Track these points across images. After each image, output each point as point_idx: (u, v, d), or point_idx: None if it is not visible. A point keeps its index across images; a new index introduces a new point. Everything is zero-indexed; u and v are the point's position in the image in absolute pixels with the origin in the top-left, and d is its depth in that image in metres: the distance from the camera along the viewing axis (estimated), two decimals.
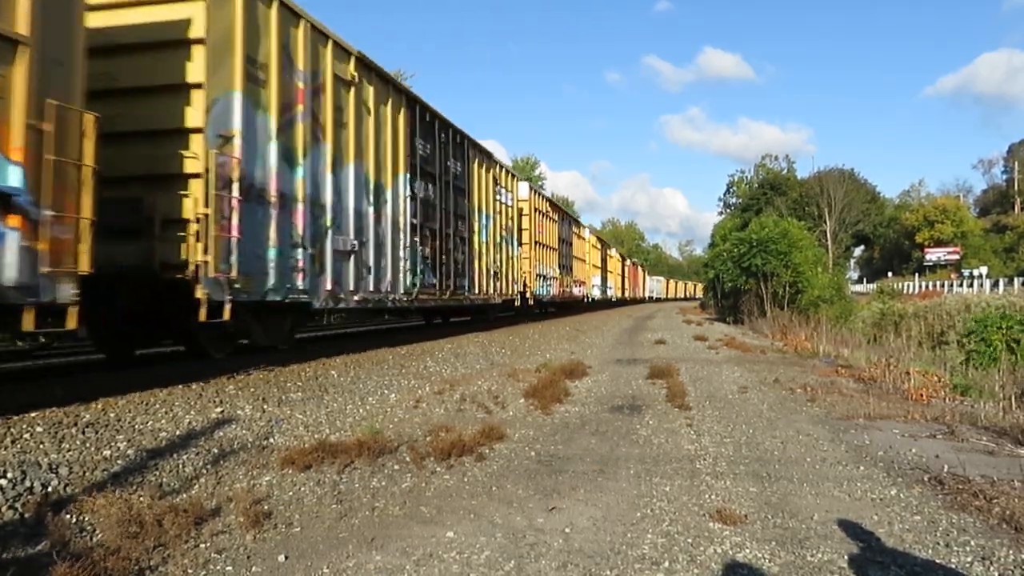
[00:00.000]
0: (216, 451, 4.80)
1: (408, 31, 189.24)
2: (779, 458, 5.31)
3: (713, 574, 3.21)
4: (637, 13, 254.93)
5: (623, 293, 49.77)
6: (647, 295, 69.57)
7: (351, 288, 9.61)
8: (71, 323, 5.13)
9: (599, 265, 36.93)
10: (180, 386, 6.53)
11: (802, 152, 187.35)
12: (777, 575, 3.21)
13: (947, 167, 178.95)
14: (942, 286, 44.31)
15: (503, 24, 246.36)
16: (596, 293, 35.28)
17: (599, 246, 37.85)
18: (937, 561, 3.34)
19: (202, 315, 6.60)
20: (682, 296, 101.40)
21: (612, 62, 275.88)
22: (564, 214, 27.82)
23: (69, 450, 4.35)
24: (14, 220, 4.58)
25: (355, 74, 9.64)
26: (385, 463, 4.91)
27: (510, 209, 18.38)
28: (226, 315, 6.88)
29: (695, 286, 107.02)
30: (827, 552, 3.45)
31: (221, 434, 5.18)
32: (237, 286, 7.05)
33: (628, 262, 54.58)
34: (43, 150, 4.75)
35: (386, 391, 7.59)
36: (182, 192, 6.76)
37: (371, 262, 10.15)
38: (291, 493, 4.24)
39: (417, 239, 11.80)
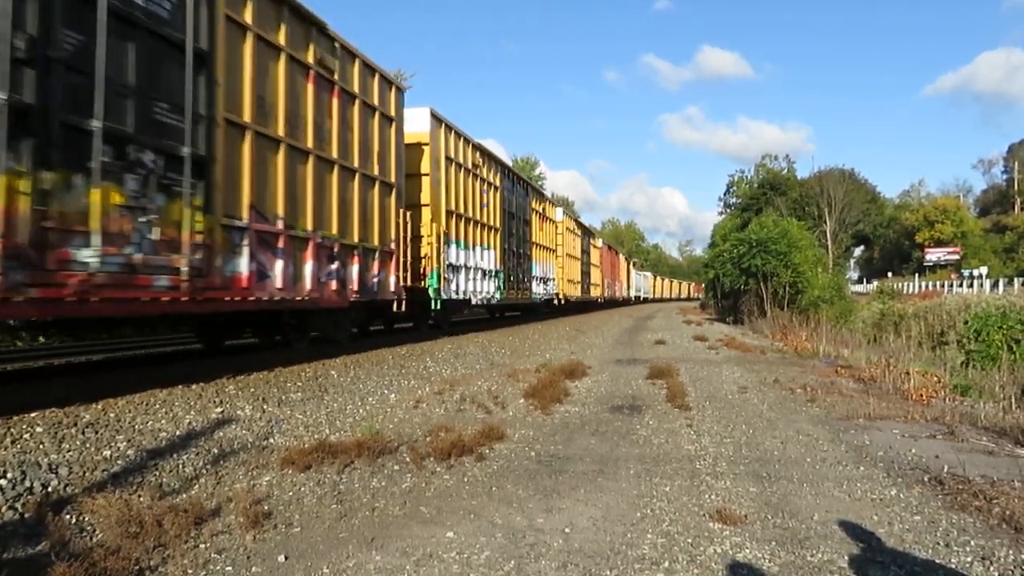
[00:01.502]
0: (216, 451, 4.80)
1: (406, 31, 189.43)
2: (779, 458, 5.30)
3: (713, 574, 3.21)
4: (635, 12, 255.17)
5: (586, 289, 30.99)
6: (632, 295, 54.45)
7: None
8: None
9: (516, 233, 19.09)
10: (180, 386, 6.54)
11: (802, 151, 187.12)
12: (777, 575, 3.21)
13: (947, 167, 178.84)
14: (942, 286, 44.32)
15: (500, 23, 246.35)
16: (488, 291, 16.43)
17: (529, 195, 20.50)
18: (937, 561, 3.34)
19: None
20: (676, 296, 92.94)
21: (610, 61, 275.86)
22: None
23: (69, 450, 4.35)
24: None
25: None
26: (385, 463, 4.91)
27: None
28: None
29: (683, 284, 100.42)
30: (827, 552, 3.45)
31: (221, 434, 5.18)
32: None
33: (599, 244, 36.65)
34: None
35: (386, 391, 7.59)
36: None
37: None
38: (291, 493, 4.24)
39: None
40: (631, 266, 55.98)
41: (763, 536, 3.67)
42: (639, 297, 60.25)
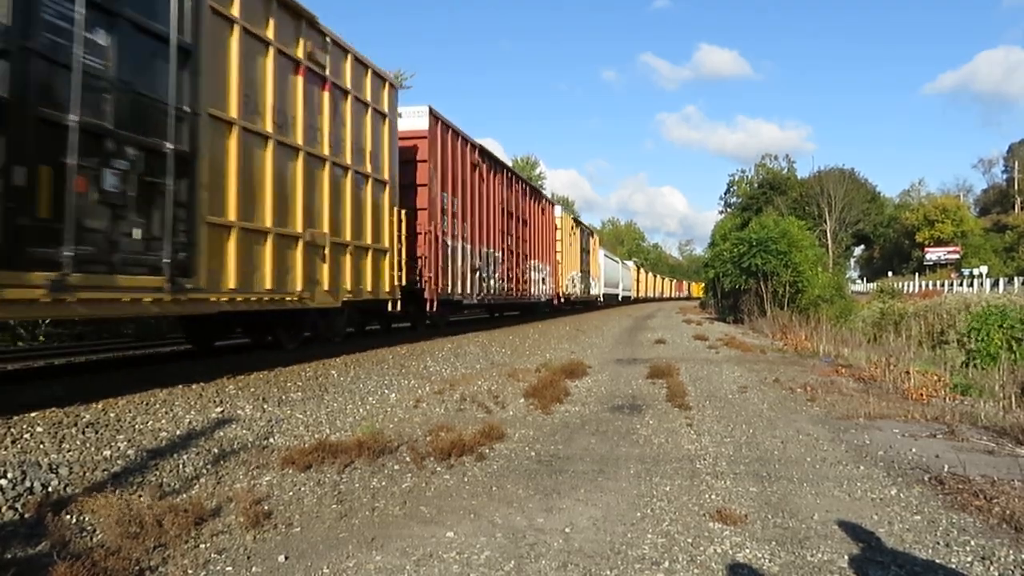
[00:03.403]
0: (216, 451, 4.80)
1: (404, 30, 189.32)
2: (779, 458, 5.30)
3: (713, 574, 3.21)
4: (633, 10, 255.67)
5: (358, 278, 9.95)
6: (601, 292, 36.84)
7: None
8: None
9: None
10: (180, 386, 6.54)
11: (801, 150, 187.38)
12: (777, 575, 3.21)
13: (947, 167, 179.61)
14: (942, 285, 44.32)
15: (498, 22, 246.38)
16: None
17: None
18: (937, 561, 3.34)
19: None
20: (672, 296, 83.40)
21: (608, 60, 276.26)
22: None
23: (69, 450, 4.35)
24: None
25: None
26: (385, 463, 4.91)
27: None
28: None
29: (681, 283, 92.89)
30: (827, 552, 3.44)
31: (221, 434, 5.18)
32: None
33: (483, 163, 16.40)
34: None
35: (386, 391, 7.59)
36: None
37: None
38: (291, 493, 4.24)
39: None
40: (595, 244, 36.30)
41: (763, 536, 3.67)
42: (619, 296, 44.75)
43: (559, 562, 3.31)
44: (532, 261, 21.76)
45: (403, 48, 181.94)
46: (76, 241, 5.18)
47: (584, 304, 33.54)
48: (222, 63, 7.26)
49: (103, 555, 3.11)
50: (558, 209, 26.96)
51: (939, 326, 17.55)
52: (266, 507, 3.92)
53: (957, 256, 63.93)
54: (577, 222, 31.90)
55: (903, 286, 42.65)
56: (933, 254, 65.40)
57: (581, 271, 30.95)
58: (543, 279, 23.24)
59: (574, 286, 28.87)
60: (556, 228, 26.10)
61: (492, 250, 17.32)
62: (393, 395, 7.42)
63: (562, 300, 26.61)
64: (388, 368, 9.02)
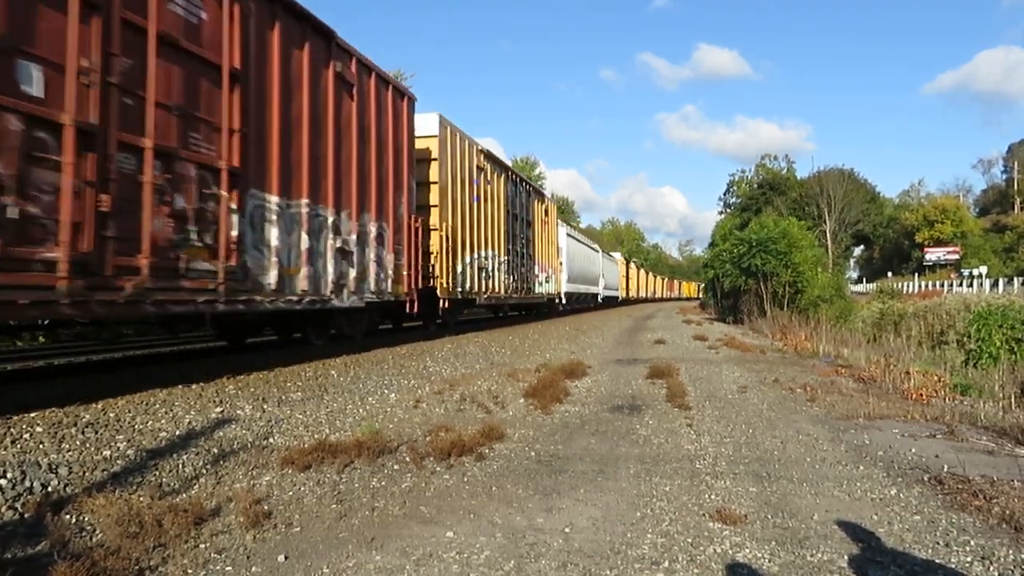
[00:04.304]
0: (216, 451, 4.80)
1: (404, 30, 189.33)
2: (779, 458, 5.30)
3: (713, 574, 3.21)
4: (633, 10, 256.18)
5: None
6: (562, 290, 26.37)
7: None
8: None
9: None
10: (180, 386, 6.54)
11: (801, 150, 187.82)
12: (777, 575, 3.21)
13: (947, 167, 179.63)
14: (942, 286, 44.34)
15: (497, 22, 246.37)
16: None
17: None
18: (937, 561, 3.34)
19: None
20: (660, 295, 77.06)
21: (608, 60, 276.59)
22: None
23: (69, 450, 4.35)
24: None
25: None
26: (385, 463, 4.91)
27: None
28: None
29: (661, 281, 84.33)
30: (827, 552, 3.44)
31: (221, 434, 5.19)
32: None
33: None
34: None
35: (386, 391, 7.59)
36: None
37: None
38: (291, 493, 4.24)
39: None
40: (548, 212, 24.50)
41: (763, 536, 3.67)
42: (599, 296, 35.13)
43: (559, 562, 3.31)
44: (309, 207, 8.63)
45: (403, 48, 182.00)
46: None
47: (523, 309, 21.15)
48: None
49: (103, 555, 3.11)
50: (433, 119, 13.46)
51: (939, 326, 17.56)
52: (266, 507, 3.92)
53: (957, 256, 63.99)
54: (499, 164, 17.98)
55: (903, 286, 42.67)
56: (933, 254, 65.45)
57: (511, 253, 18.54)
58: (352, 253, 9.84)
59: (487, 278, 16.64)
60: (428, 157, 13.37)
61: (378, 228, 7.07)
62: (393, 395, 7.42)
63: (445, 303, 14.18)
64: (388, 368, 9.02)
